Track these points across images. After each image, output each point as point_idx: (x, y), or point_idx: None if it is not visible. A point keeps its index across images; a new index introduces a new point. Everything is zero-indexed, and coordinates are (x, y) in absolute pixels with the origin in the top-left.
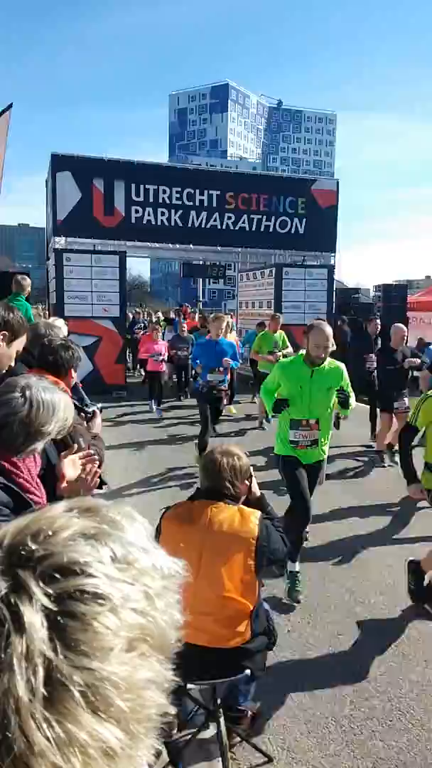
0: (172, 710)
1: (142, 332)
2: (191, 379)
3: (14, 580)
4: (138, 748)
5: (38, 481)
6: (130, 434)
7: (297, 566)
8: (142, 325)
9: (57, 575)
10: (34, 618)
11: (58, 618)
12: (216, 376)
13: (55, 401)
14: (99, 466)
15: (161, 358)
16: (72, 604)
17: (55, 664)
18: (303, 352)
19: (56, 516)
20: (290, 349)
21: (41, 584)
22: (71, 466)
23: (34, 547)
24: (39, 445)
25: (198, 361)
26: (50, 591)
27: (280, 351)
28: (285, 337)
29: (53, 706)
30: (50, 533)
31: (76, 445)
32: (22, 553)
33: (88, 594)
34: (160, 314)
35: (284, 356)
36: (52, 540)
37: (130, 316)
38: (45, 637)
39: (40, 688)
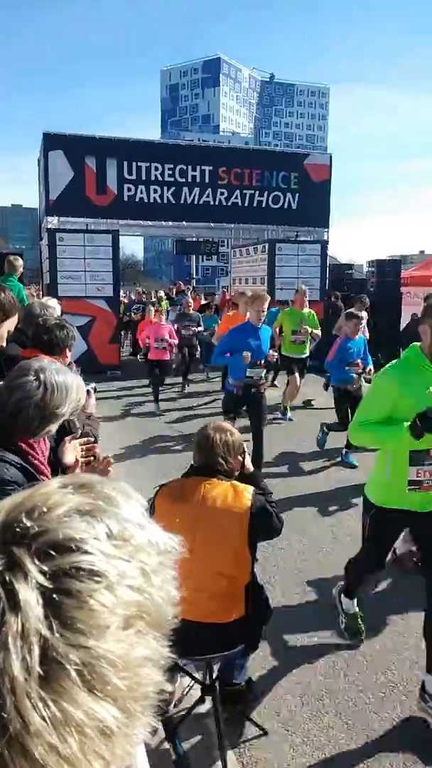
0: (168, 687)
1: (140, 314)
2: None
3: (9, 557)
4: (134, 726)
5: (45, 463)
6: (125, 413)
7: (355, 604)
8: (140, 306)
9: (52, 552)
10: (29, 596)
11: (54, 596)
12: (257, 371)
13: (68, 383)
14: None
15: (166, 344)
16: (68, 581)
17: (51, 643)
18: (418, 345)
19: (51, 492)
20: (318, 331)
21: (36, 561)
22: (72, 452)
23: (29, 523)
24: (53, 427)
25: (227, 354)
26: (45, 568)
27: (306, 330)
28: (314, 315)
29: (49, 685)
30: (45, 510)
31: (79, 432)
32: (17, 530)
33: (83, 571)
34: (162, 293)
35: (312, 337)
36: (47, 516)
37: (132, 296)
38: (40, 615)
39: (36, 666)
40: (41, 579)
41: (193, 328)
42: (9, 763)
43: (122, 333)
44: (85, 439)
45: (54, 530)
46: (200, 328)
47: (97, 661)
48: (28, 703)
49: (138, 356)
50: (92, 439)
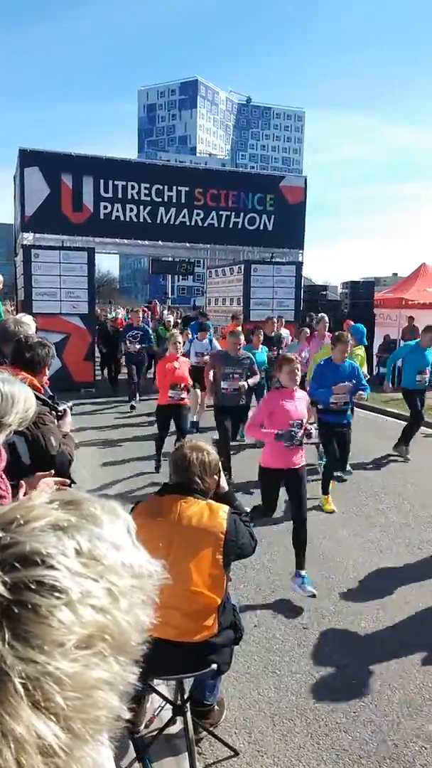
0: (126, 715)
1: (148, 345)
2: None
3: None
4: (80, 748)
5: (2, 474)
6: (100, 432)
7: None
8: (140, 334)
9: (17, 564)
10: None
11: (12, 607)
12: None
13: (14, 393)
14: (69, 465)
15: (183, 388)
16: (28, 594)
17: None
18: None
19: (35, 506)
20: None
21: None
22: (45, 489)
23: (1, 534)
24: (0, 437)
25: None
26: (7, 579)
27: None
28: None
29: None
30: (22, 522)
31: (52, 471)
32: None
33: (45, 586)
34: (170, 317)
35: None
36: (21, 529)
37: (120, 318)
38: None
39: None
40: (1, 589)
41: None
42: None
43: (110, 364)
44: (60, 479)
45: (22, 543)
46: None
47: (44, 678)
48: None
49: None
50: (68, 482)
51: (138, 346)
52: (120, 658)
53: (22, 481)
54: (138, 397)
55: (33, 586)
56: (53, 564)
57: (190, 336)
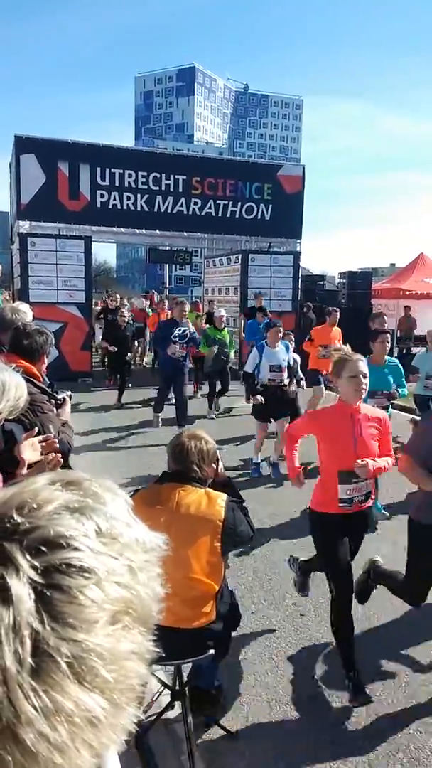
0: (152, 680)
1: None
2: None
3: (1, 552)
4: (120, 716)
5: None
6: (98, 421)
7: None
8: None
9: (43, 548)
10: (21, 590)
11: (45, 591)
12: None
13: (5, 381)
14: (68, 453)
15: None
16: (58, 577)
17: (42, 636)
18: None
19: (39, 489)
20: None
21: (28, 557)
22: (30, 449)
23: (19, 519)
24: None
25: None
26: (37, 564)
27: None
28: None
29: (40, 677)
30: (35, 506)
31: (36, 429)
32: (8, 525)
33: (74, 567)
34: (220, 311)
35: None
36: (37, 513)
37: (135, 309)
38: (32, 609)
39: (28, 659)
40: (33, 574)
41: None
42: (1, 751)
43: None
44: (44, 435)
45: (44, 527)
46: None
47: (87, 654)
48: (20, 693)
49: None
50: (50, 435)
51: (183, 351)
52: (142, 629)
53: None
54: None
55: (62, 569)
56: (77, 545)
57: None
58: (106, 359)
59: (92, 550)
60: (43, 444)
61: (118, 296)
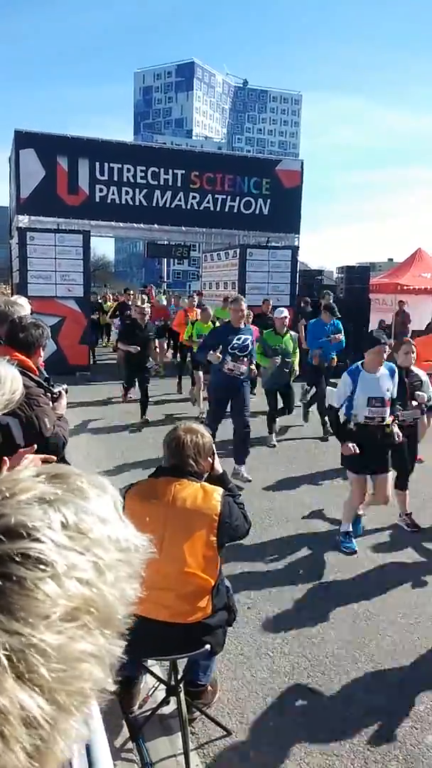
0: (112, 687)
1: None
2: None
3: None
4: (65, 720)
5: None
6: (94, 415)
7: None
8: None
9: (2, 537)
10: None
11: None
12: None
13: (0, 374)
14: (63, 447)
15: None
16: (13, 566)
17: None
18: None
19: (21, 479)
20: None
21: None
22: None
23: None
24: None
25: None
26: None
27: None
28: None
29: None
30: (8, 495)
31: (35, 446)
32: None
33: (30, 558)
34: (283, 312)
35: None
36: (7, 502)
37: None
38: None
39: None
40: None
41: None
42: None
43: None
44: (45, 456)
45: (8, 515)
46: None
47: (28, 649)
48: None
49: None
50: (53, 458)
51: (245, 368)
52: (106, 631)
53: (6, 458)
54: (243, 471)
55: (18, 559)
56: (39, 537)
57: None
58: (119, 364)
59: (55, 542)
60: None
61: (131, 292)
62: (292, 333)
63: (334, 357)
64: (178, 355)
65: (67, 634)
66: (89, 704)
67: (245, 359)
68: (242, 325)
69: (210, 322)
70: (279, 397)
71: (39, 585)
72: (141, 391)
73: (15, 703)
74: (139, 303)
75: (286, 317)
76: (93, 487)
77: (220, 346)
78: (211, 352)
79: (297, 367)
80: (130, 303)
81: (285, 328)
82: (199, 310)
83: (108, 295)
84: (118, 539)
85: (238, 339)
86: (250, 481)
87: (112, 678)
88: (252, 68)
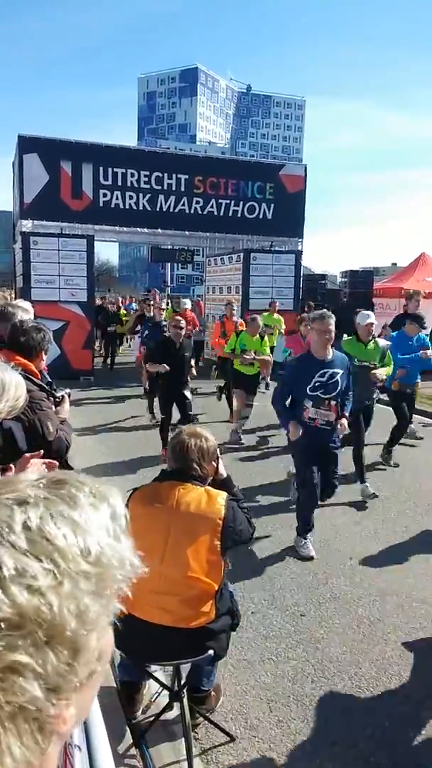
0: (52, 711)
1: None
2: None
3: None
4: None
5: None
6: (97, 419)
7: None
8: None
9: None
10: None
11: None
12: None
13: (4, 380)
14: (66, 451)
15: None
16: None
17: None
18: None
19: (17, 481)
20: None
21: None
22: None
23: None
24: None
25: None
26: None
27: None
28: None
29: None
30: None
31: (41, 451)
32: None
33: None
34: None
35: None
36: None
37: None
38: None
39: None
40: None
41: None
42: None
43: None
44: (49, 461)
45: None
46: None
47: None
48: None
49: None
50: (56, 463)
51: (332, 414)
52: (57, 646)
53: (11, 465)
54: None
55: None
56: None
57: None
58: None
59: (11, 544)
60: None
61: (151, 302)
62: (380, 341)
63: (419, 381)
64: (216, 372)
65: (3, 642)
66: (26, 725)
67: (332, 403)
68: (328, 355)
69: (258, 335)
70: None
71: None
72: (183, 417)
73: None
74: (155, 307)
75: (372, 323)
76: (90, 496)
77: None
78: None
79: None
80: (150, 315)
81: (371, 336)
82: (239, 320)
83: (118, 299)
84: (89, 550)
85: (322, 375)
86: None
87: (58, 701)
88: (255, 73)
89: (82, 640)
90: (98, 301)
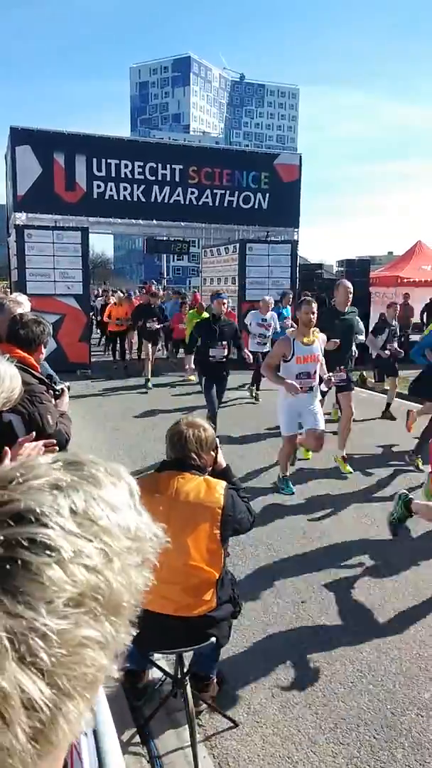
0: (116, 674)
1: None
2: None
3: None
4: (65, 704)
5: None
6: (96, 412)
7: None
8: None
9: (11, 521)
10: None
11: (4, 563)
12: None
13: (0, 372)
14: (66, 444)
15: None
16: (19, 551)
17: None
18: None
19: (37, 465)
20: None
21: None
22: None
23: (1, 492)
24: None
25: None
26: (0, 536)
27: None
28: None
29: None
30: (21, 480)
31: (33, 433)
32: None
33: (37, 543)
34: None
35: None
36: (19, 487)
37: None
38: None
39: None
40: None
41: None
42: None
43: None
44: (48, 441)
45: (18, 501)
46: None
47: (30, 633)
48: None
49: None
50: (53, 442)
51: None
52: (113, 618)
53: (7, 448)
54: None
55: (25, 543)
56: (47, 522)
57: None
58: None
59: (62, 528)
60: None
61: (162, 291)
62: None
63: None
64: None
65: (72, 620)
66: (94, 690)
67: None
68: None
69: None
70: None
71: (44, 570)
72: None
73: (15, 686)
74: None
75: None
76: (108, 475)
77: None
78: None
79: None
80: (152, 306)
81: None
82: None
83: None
84: (128, 527)
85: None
86: None
87: (118, 666)
88: (249, 61)
89: (130, 609)
90: (137, 298)
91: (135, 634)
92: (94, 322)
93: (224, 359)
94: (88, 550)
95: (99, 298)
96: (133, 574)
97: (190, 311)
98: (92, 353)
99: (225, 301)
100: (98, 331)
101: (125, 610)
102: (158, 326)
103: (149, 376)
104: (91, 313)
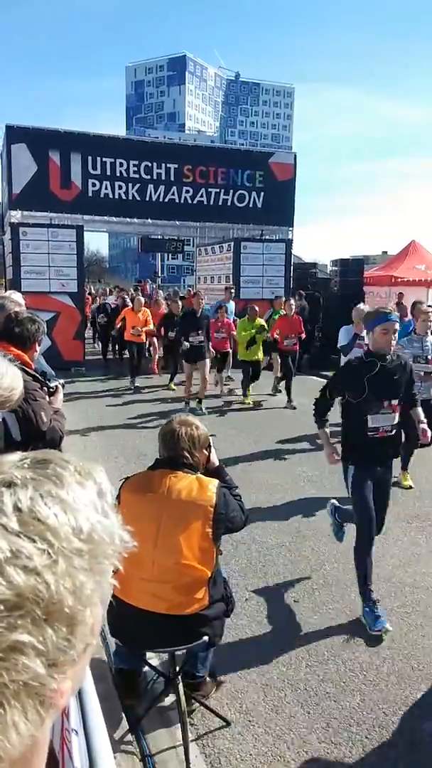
0: (53, 685)
1: None
2: None
3: None
4: (5, 715)
5: None
6: (90, 409)
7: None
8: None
9: None
10: None
11: None
12: None
13: None
14: (60, 441)
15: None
16: None
17: None
18: None
19: (3, 462)
20: None
21: None
22: None
23: None
24: None
25: None
26: None
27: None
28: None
29: None
30: None
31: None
32: None
33: None
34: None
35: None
36: None
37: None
38: None
39: None
40: None
41: None
42: None
43: None
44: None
45: None
46: None
47: None
48: None
49: None
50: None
51: None
52: (56, 624)
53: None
54: None
55: None
56: None
57: None
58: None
59: (3, 527)
60: None
61: (147, 287)
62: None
63: None
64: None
65: (3, 623)
66: (35, 700)
67: None
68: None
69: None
70: None
71: None
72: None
73: None
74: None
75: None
76: (75, 474)
77: None
78: None
79: None
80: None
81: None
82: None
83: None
84: (81, 528)
85: None
86: None
87: (58, 676)
88: (244, 59)
89: (79, 615)
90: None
91: (125, 635)
92: (98, 325)
93: (201, 343)
94: (28, 551)
95: (110, 297)
96: (82, 578)
97: (242, 319)
98: (86, 352)
99: (203, 298)
100: (91, 328)
101: (67, 615)
102: (202, 339)
103: (202, 407)
104: (101, 315)
